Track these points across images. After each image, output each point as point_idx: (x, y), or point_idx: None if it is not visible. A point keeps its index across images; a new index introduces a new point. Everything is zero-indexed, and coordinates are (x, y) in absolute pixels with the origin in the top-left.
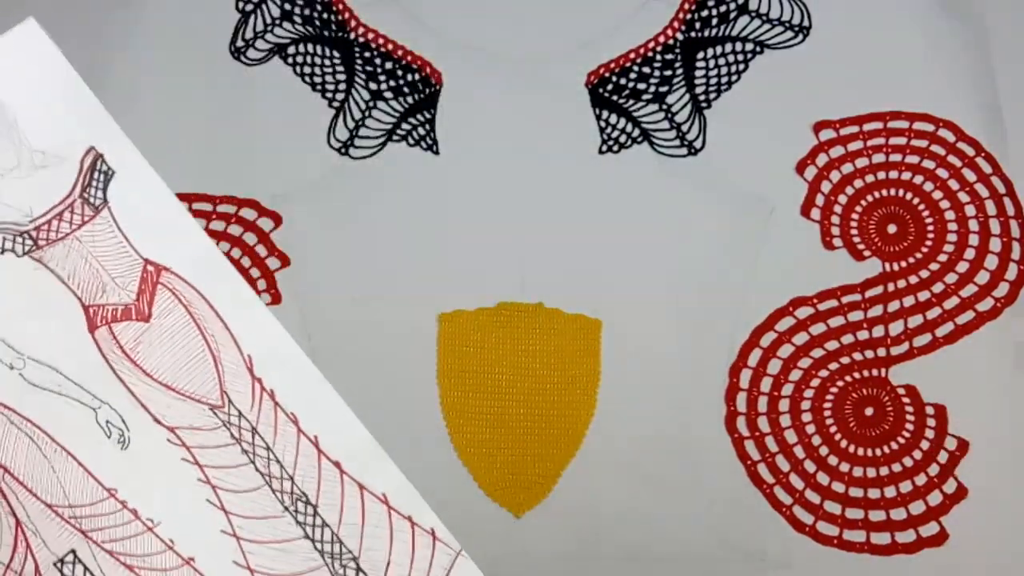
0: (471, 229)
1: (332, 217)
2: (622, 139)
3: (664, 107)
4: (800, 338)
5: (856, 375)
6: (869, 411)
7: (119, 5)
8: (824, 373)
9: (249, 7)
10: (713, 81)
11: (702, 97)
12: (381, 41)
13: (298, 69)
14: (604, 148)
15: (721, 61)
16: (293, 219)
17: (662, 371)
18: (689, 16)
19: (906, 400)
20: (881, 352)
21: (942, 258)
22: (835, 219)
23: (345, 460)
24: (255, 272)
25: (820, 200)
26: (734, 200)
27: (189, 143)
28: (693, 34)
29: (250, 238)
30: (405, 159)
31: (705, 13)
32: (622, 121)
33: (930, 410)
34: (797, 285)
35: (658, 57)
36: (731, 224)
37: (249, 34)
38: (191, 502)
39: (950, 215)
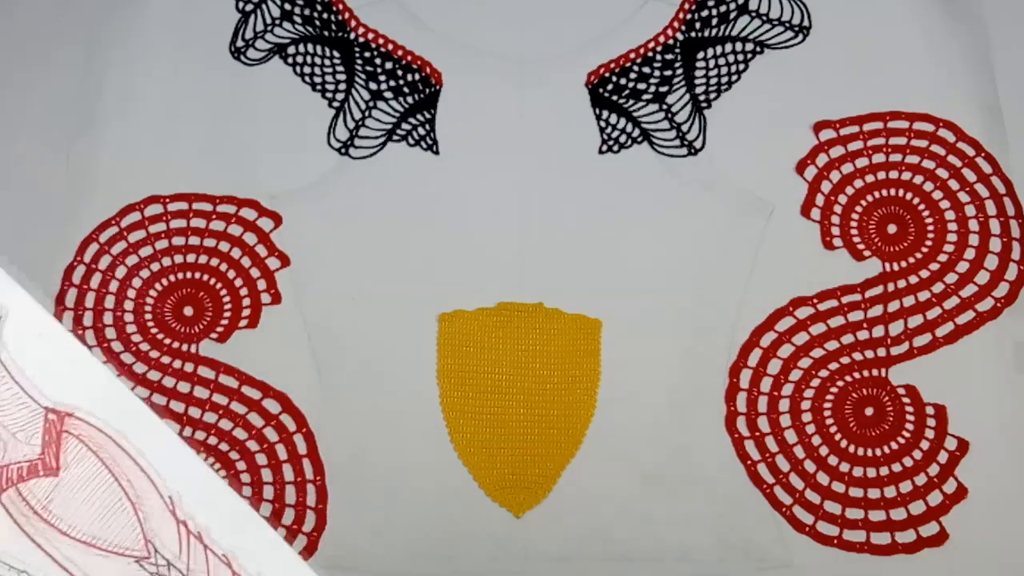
0: (471, 229)
1: (332, 217)
2: (622, 139)
3: (664, 107)
4: (800, 338)
5: (856, 375)
6: (869, 411)
7: (119, 5)
8: (824, 373)
9: (249, 7)
10: (713, 81)
11: (702, 97)
12: (381, 41)
13: (298, 69)
14: (604, 148)
15: (721, 61)
16: (293, 219)
17: (662, 371)
18: (689, 16)
19: (906, 400)
20: (881, 352)
21: (942, 258)
22: (835, 219)
23: None
24: (255, 272)
25: (820, 200)
26: (734, 200)
27: (189, 143)
28: (693, 34)
29: (250, 238)
30: (405, 159)
31: (705, 13)
32: (622, 121)
33: (930, 410)
34: (797, 285)
35: (658, 57)
36: (731, 224)
37: (249, 34)
38: None
39: (950, 215)
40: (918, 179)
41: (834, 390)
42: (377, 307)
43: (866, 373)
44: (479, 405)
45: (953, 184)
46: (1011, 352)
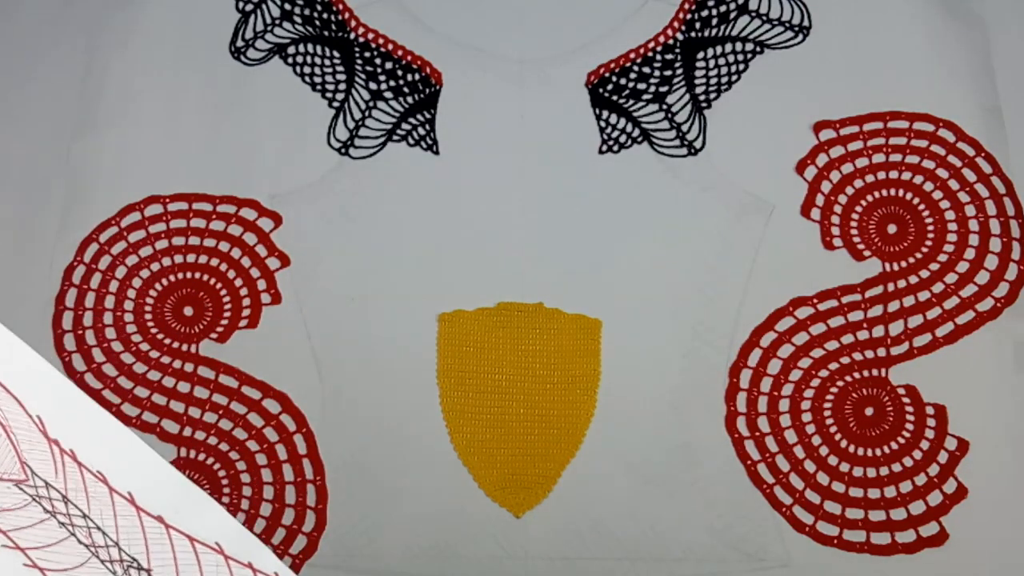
0: (471, 229)
1: (332, 217)
2: (622, 139)
3: (664, 107)
4: (800, 338)
5: (856, 375)
6: (869, 411)
7: (119, 5)
8: (824, 373)
9: (249, 7)
10: (713, 81)
11: (702, 97)
12: (381, 41)
13: (298, 69)
14: (604, 148)
15: (721, 61)
16: (293, 219)
17: (662, 371)
18: (689, 16)
19: (906, 400)
20: (881, 352)
21: (942, 258)
22: (835, 219)
23: (167, 512)
24: (255, 272)
25: (820, 200)
26: (734, 200)
27: (189, 143)
28: (693, 34)
29: (250, 238)
30: (405, 159)
31: (705, 13)
32: (622, 121)
33: (930, 410)
34: (797, 285)
35: (658, 57)
36: (731, 224)
37: (249, 34)
38: None
39: (950, 215)
40: (918, 179)
41: (834, 390)
42: (377, 307)
43: (866, 373)
44: (479, 405)
45: (953, 184)
46: (1011, 352)
